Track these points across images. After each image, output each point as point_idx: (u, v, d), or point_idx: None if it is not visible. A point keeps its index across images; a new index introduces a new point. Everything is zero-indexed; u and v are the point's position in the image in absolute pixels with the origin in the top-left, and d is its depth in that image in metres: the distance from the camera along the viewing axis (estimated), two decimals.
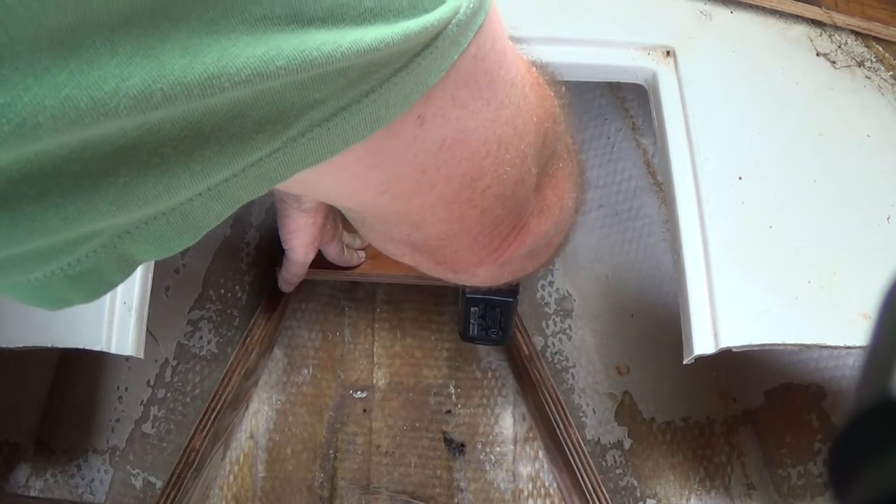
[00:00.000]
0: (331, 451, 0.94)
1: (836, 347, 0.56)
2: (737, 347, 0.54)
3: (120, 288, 0.52)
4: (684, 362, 0.55)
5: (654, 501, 0.91)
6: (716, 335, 0.55)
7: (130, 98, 0.19)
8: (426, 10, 0.25)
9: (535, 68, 0.39)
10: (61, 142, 0.19)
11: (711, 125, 0.62)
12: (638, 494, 0.91)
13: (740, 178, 0.60)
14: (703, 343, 0.55)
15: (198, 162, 0.22)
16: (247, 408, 0.93)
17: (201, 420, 0.82)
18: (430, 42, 0.25)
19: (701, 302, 0.56)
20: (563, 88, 0.43)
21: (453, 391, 0.95)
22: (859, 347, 0.57)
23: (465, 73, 0.28)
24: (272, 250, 0.87)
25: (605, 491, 0.86)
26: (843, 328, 0.56)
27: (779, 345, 0.55)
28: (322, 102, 0.24)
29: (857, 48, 0.68)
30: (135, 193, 0.21)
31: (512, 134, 0.33)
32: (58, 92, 0.17)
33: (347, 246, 0.80)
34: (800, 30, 0.68)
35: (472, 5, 0.26)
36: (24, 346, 0.57)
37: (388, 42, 0.23)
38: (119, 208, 0.21)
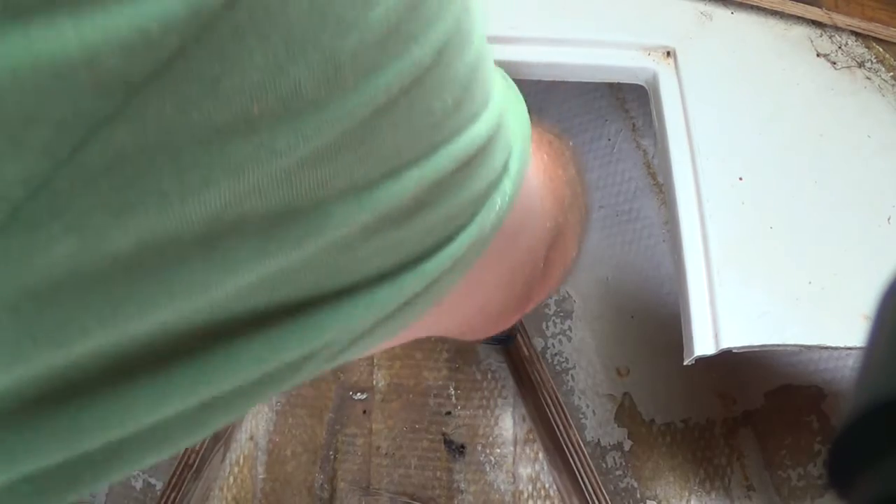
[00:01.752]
0: (331, 453, 0.94)
1: (836, 348, 0.56)
2: (737, 348, 0.54)
3: None
4: (685, 363, 0.55)
5: (654, 503, 0.91)
6: (716, 336, 0.55)
7: None
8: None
9: (548, 143, 0.40)
10: None
11: (712, 126, 0.62)
12: (638, 496, 0.91)
13: (741, 179, 0.60)
14: (703, 344, 0.55)
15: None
16: None
17: None
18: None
19: (701, 302, 0.56)
20: (570, 144, 0.46)
21: (453, 393, 0.95)
22: (859, 348, 0.57)
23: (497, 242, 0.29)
24: None
25: (605, 492, 0.86)
26: (844, 329, 0.56)
27: (779, 346, 0.55)
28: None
29: (858, 49, 0.68)
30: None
31: (526, 256, 0.36)
32: None
33: None
34: (800, 31, 0.68)
35: (509, 194, 0.28)
36: None
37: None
38: None
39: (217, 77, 0.16)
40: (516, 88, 0.33)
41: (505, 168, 0.28)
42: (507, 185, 0.28)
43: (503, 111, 0.27)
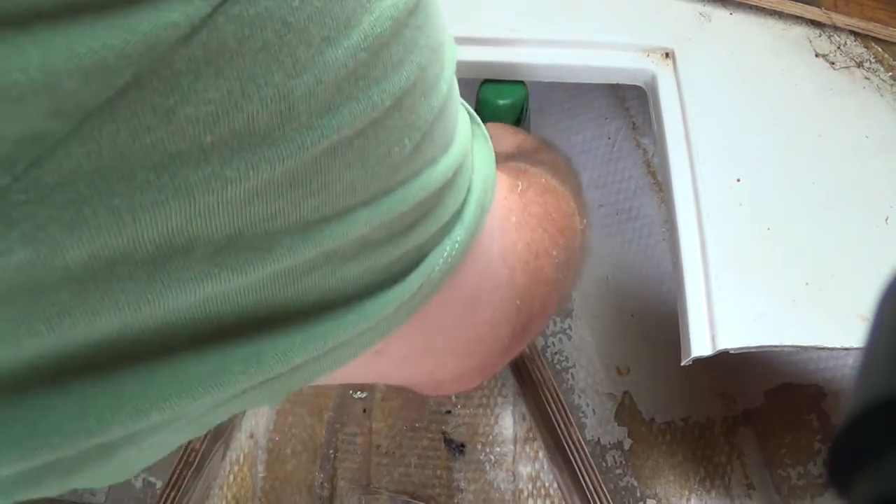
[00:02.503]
0: (331, 451, 0.94)
1: (833, 349, 0.56)
2: (734, 349, 0.55)
3: None
4: (682, 364, 0.55)
5: (654, 501, 0.91)
6: (713, 337, 0.55)
7: None
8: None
9: (542, 190, 0.39)
10: None
11: (710, 127, 0.62)
12: (638, 495, 0.91)
13: (738, 180, 0.60)
14: (700, 345, 0.55)
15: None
16: None
17: None
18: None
19: (698, 303, 0.56)
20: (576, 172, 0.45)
21: None
22: (857, 349, 0.57)
23: (437, 305, 0.29)
24: None
25: (606, 491, 0.86)
26: (841, 330, 0.56)
27: (776, 347, 0.55)
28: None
29: (857, 49, 0.68)
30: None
31: (486, 331, 0.35)
32: None
33: None
34: (799, 31, 0.68)
35: (461, 241, 0.28)
36: None
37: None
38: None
39: (171, 107, 0.17)
40: (483, 129, 0.33)
41: (459, 215, 0.28)
42: (458, 233, 0.28)
43: (464, 156, 0.28)
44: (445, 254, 0.27)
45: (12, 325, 0.18)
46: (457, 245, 0.28)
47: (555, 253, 0.38)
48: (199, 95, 0.17)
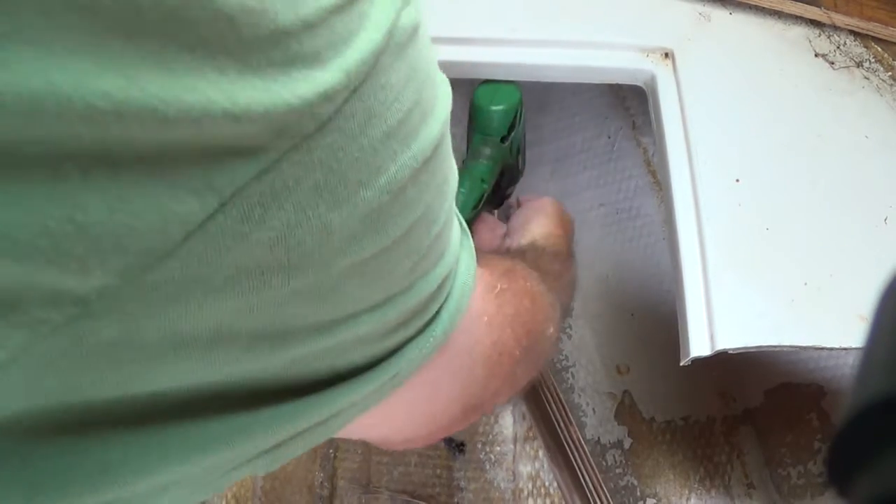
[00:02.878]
0: (330, 451, 0.94)
1: (832, 349, 0.56)
2: (732, 349, 0.55)
3: None
4: (681, 364, 0.56)
5: (654, 501, 0.92)
6: (712, 337, 0.55)
7: None
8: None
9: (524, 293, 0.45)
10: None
11: (710, 127, 0.62)
12: (638, 494, 0.92)
13: (737, 181, 0.61)
14: (699, 345, 0.55)
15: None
16: None
17: None
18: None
19: (697, 303, 0.56)
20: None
21: None
22: (855, 349, 0.57)
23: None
24: None
25: (606, 490, 0.86)
26: (840, 330, 0.56)
27: (775, 347, 0.55)
28: None
29: (856, 48, 0.68)
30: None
31: (443, 408, 0.41)
32: None
33: None
34: (799, 31, 0.68)
35: (438, 335, 0.34)
36: None
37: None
38: None
39: (246, 232, 0.21)
40: (470, 242, 0.38)
41: (438, 314, 0.34)
42: (436, 330, 0.33)
43: (451, 267, 0.33)
44: (423, 347, 0.33)
45: (90, 380, 0.22)
46: (432, 340, 0.33)
47: (517, 353, 0.44)
48: (266, 223, 0.22)
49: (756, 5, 0.67)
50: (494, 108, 0.77)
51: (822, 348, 0.56)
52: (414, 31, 0.25)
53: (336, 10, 0.21)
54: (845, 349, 0.56)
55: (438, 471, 0.93)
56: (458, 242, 0.35)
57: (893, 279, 0.21)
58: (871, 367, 0.19)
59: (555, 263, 0.64)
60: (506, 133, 0.80)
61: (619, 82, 0.67)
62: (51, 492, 0.23)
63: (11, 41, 0.16)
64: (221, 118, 0.19)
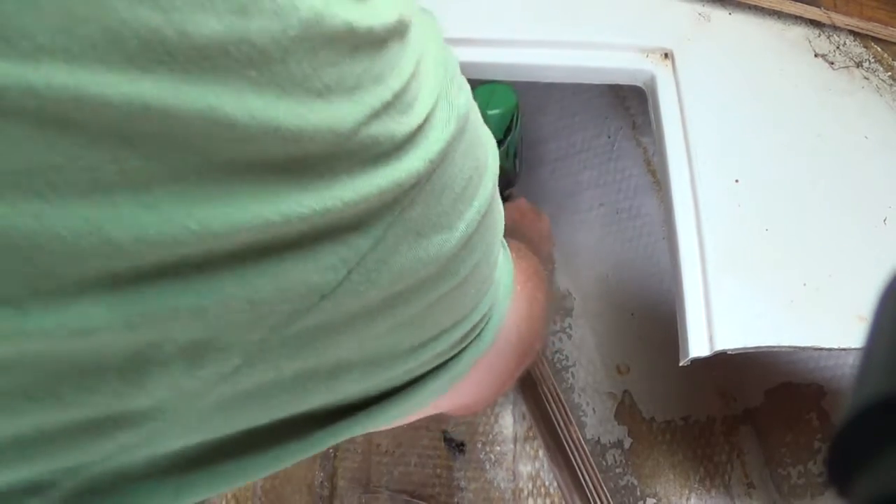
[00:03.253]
0: (331, 450, 0.94)
1: (830, 350, 0.56)
2: (731, 350, 0.55)
3: None
4: (680, 364, 0.56)
5: (654, 500, 0.92)
6: (711, 338, 0.55)
7: None
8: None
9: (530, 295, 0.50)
10: None
11: (709, 128, 0.62)
12: (638, 493, 0.92)
13: (737, 181, 0.61)
14: (698, 345, 0.55)
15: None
16: None
17: None
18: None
19: (696, 304, 0.56)
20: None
21: None
22: (854, 349, 0.57)
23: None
24: None
25: (606, 490, 0.86)
26: (839, 330, 0.56)
27: (774, 347, 0.55)
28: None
29: (856, 49, 0.68)
30: None
31: (492, 378, 0.48)
32: None
33: None
34: (798, 31, 0.68)
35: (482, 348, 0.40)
36: None
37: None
38: None
39: (362, 290, 0.27)
40: (505, 244, 0.43)
41: (491, 318, 0.40)
42: (490, 333, 0.40)
43: (500, 279, 0.39)
44: (480, 348, 0.39)
45: (225, 417, 0.27)
46: (487, 340, 0.39)
47: (533, 334, 0.51)
48: (377, 281, 0.27)
49: (756, 5, 0.67)
50: (490, 111, 0.77)
51: (821, 349, 0.56)
52: (468, 109, 0.31)
53: (423, 123, 0.27)
54: (844, 350, 0.56)
55: (438, 471, 0.93)
56: (504, 266, 0.41)
57: (893, 279, 0.21)
58: (871, 367, 0.19)
59: (528, 227, 0.79)
60: (502, 137, 0.80)
61: (619, 83, 0.67)
62: None
63: (163, 185, 0.20)
64: (350, 206, 0.24)
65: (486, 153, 0.33)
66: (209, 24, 0.19)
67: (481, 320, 0.38)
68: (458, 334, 0.36)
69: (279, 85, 0.21)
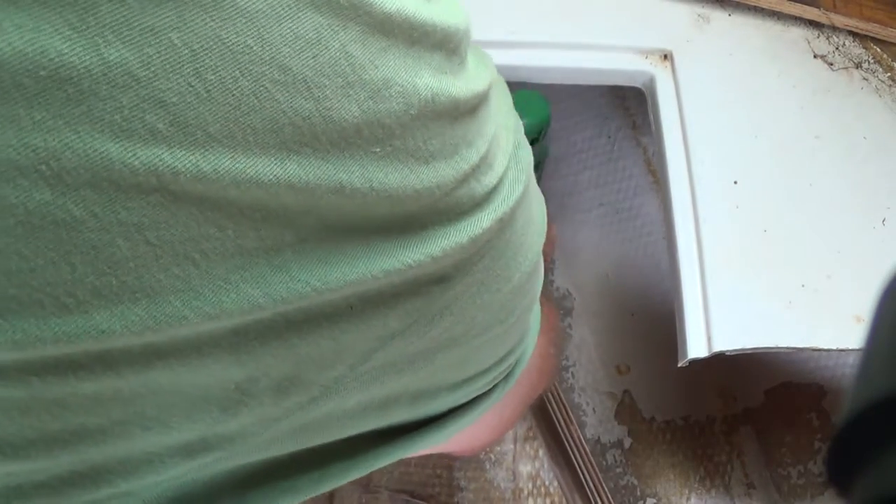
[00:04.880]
0: None
1: (829, 350, 0.57)
2: (730, 351, 0.55)
3: None
4: (679, 365, 0.56)
5: (654, 500, 0.92)
6: (709, 338, 0.55)
7: None
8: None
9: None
10: None
11: (708, 129, 0.62)
12: (638, 493, 0.92)
13: (735, 182, 0.61)
14: (696, 346, 0.55)
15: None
16: None
17: None
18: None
19: (695, 305, 0.57)
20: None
21: None
22: (853, 350, 0.57)
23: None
24: None
25: (606, 490, 0.86)
26: (838, 331, 0.56)
27: (772, 348, 0.56)
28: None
29: (855, 49, 0.68)
30: None
31: (508, 416, 0.52)
32: None
33: None
34: (798, 32, 0.68)
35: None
36: None
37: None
38: None
39: (426, 332, 0.29)
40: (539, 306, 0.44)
41: (523, 353, 0.41)
42: (520, 367, 0.41)
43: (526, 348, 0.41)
44: (510, 382, 0.41)
45: (299, 438, 0.30)
46: (517, 374, 0.41)
47: (550, 359, 0.53)
48: (439, 324, 0.29)
49: (755, 6, 0.67)
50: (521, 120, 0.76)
51: (820, 349, 0.56)
52: (531, 168, 0.33)
53: (498, 183, 0.29)
54: (842, 350, 0.56)
55: (438, 471, 0.93)
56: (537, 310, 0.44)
57: (892, 280, 0.21)
58: (871, 367, 0.19)
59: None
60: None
61: (618, 84, 0.67)
62: None
63: (294, 250, 0.23)
64: (437, 261, 0.27)
65: (541, 212, 0.36)
66: (350, 109, 0.22)
67: (513, 362, 0.40)
68: (494, 374, 0.38)
69: (396, 157, 0.24)
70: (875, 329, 0.20)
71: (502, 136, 0.31)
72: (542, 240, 0.36)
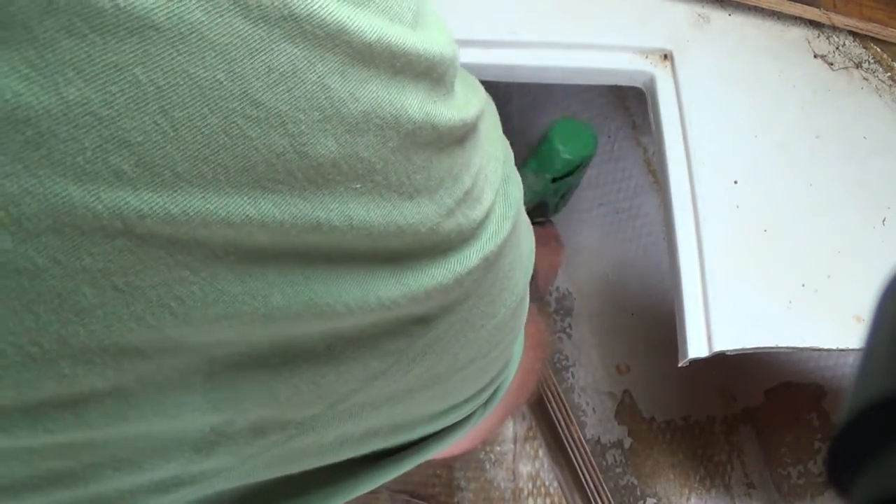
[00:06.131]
0: None
1: (829, 350, 0.57)
2: (730, 351, 0.55)
3: None
4: (679, 365, 0.56)
5: (655, 500, 0.92)
6: (709, 338, 0.55)
7: None
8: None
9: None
10: None
11: (708, 129, 0.62)
12: (638, 493, 0.92)
13: (735, 182, 0.61)
14: (696, 346, 0.55)
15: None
16: None
17: None
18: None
19: (695, 305, 0.57)
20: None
21: None
22: (852, 350, 0.57)
23: None
24: None
25: (606, 489, 0.86)
26: (838, 331, 0.56)
27: (772, 348, 0.56)
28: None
29: (856, 49, 0.68)
30: None
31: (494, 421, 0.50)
32: None
33: None
34: (798, 32, 0.68)
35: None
36: None
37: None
38: None
39: (408, 370, 0.28)
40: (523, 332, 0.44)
41: (507, 374, 0.41)
42: (503, 389, 0.40)
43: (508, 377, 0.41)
44: (494, 403, 0.40)
45: (275, 470, 0.29)
46: (500, 396, 0.41)
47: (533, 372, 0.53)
48: (421, 363, 0.29)
49: (755, 6, 0.67)
50: (564, 154, 0.74)
51: (820, 349, 0.56)
52: (520, 204, 0.33)
53: (484, 218, 0.28)
54: (842, 350, 0.56)
55: (438, 470, 0.93)
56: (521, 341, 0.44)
57: (892, 280, 0.21)
58: (871, 367, 0.19)
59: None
60: (560, 176, 0.78)
61: (618, 84, 0.67)
62: None
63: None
64: (415, 302, 0.26)
65: (531, 250, 0.36)
66: (327, 144, 0.21)
67: (493, 390, 0.40)
68: (474, 403, 0.38)
69: (378, 193, 0.23)
70: (875, 329, 0.20)
71: (490, 168, 0.30)
72: (529, 275, 0.36)
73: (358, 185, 0.22)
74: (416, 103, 0.23)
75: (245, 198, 0.20)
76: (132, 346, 0.20)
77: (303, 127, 0.20)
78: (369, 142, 0.22)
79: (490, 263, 0.29)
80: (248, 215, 0.20)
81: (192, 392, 0.23)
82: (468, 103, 0.27)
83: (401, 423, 0.33)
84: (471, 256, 0.28)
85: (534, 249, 0.37)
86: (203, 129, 0.19)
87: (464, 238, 0.27)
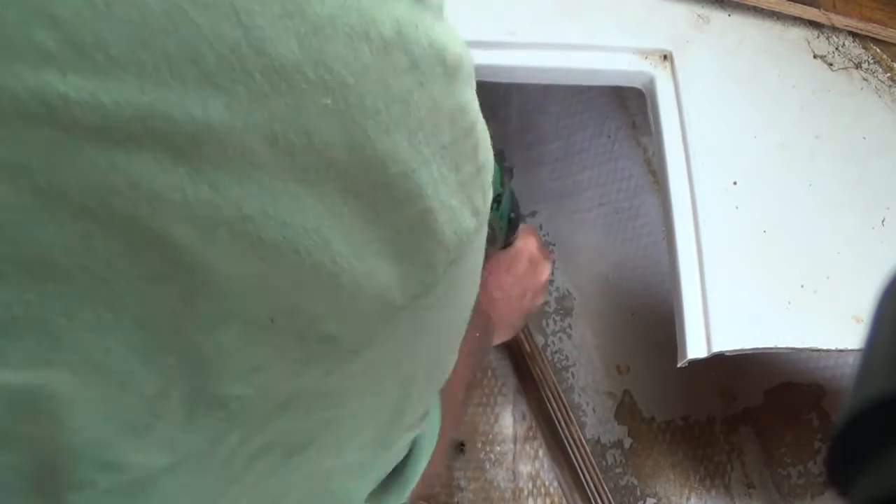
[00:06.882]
0: None
1: (829, 350, 0.57)
2: (729, 352, 0.55)
3: None
4: (678, 365, 0.56)
5: (654, 500, 0.92)
6: (708, 339, 0.55)
7: None
8: None
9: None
10: None
11: (708, 130, 0.62)
12: (638, 493, 0.92)
13: (735, 183, 0.61)
14: (695, 347, 0.55)
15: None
16: None
17: None
18: None
19: (694, 305, 0.57)
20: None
21: None
22: (851, 350, 0.57)
23: None
24: None
25: (606, 489, 0.86)
26: (837, 331, 0.57)
27: (771, 349, 0.56)
28: None
29: (855, 50, 0.68)
30: None
31: None
32: None
33: None
34: (797, 32, 0.68)
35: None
36: None
37: None
38: None
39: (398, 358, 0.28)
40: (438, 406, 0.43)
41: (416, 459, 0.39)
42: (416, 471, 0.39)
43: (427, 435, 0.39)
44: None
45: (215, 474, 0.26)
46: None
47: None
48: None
49: (755, 6, 0.67)
50: None
51: (819, 350, 0.56)
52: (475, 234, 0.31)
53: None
54: (841, 351, 0.56)
55: (438, 471, 0.93)
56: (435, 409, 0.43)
57: (892, 280, 0.21)
58: (870, 367, 0.19)
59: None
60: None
61: (618, 84, 0.67)
62: None
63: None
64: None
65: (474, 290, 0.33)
66: (288, 44, 0.18)
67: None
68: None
69: (350, 116, 0.20)
70: (875, 329, 0.20)
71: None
72: (469, 311, 0.33)
73: (328, 101, 0.19)
74: (388, 19, 0.20)
75: (192, 95, 0.17)
76: (53, 263, 0.17)
77: (258, 20, 0.18)
78: (338, 52, 0.19)
79: (477, 230, 0.27)
80: (193, 115, 0.17)
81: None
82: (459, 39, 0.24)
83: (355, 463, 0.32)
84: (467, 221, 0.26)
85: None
86: (141, 8, 0.16)
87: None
